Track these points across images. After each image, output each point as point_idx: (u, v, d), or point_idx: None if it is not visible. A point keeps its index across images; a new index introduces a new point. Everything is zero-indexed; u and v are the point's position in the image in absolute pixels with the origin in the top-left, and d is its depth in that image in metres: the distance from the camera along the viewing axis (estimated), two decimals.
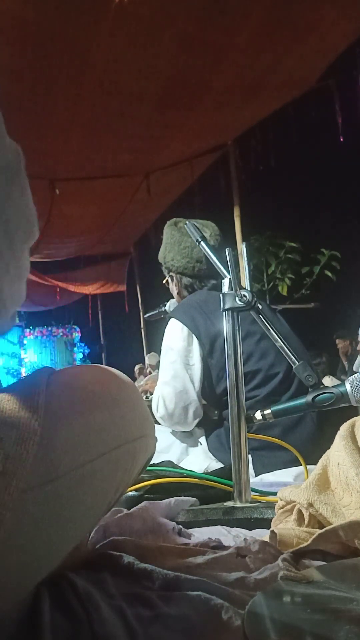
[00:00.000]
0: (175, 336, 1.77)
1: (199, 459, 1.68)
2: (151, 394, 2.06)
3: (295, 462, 1.44)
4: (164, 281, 2.08)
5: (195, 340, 1.74)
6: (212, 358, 1.71)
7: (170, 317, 1.84)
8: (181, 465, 1.56)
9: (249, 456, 1.58)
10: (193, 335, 1.74)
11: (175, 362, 1.74)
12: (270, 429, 1.57)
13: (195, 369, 1.73)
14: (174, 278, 1.98)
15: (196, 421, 1.77)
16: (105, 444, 0.61)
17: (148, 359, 7.85)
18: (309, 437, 1.58)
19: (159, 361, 7.17)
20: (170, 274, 1.99)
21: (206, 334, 1.72)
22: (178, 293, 1.99)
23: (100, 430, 0.61)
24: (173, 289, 2.02)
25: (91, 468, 0.58)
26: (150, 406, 1.95)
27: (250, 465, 1.58)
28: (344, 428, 0.92)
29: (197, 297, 1.87)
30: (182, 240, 1.90)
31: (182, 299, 1.95)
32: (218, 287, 1.90)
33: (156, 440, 0.76)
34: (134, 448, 0.67)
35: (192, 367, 1.73)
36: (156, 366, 7.76)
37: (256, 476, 1.55)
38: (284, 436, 1.54)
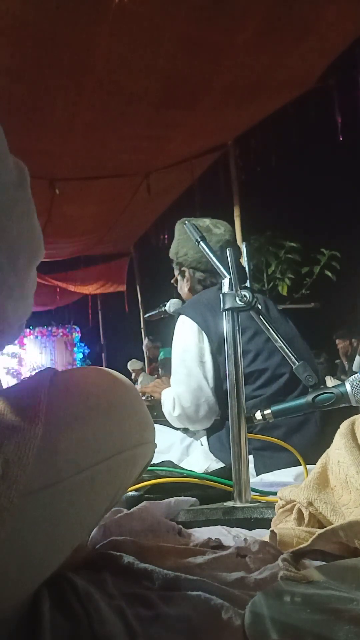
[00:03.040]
0: (187, 334, 1.76)
1: (199, 460, 1.68)
2: (150, 396, 2.05)
3: (296, 463, 1.44)
4: (173, 280, 2.05)
5: (205, 337, 1.73)
6: (220, 355, 1.71)
7: (179, 314, 1.83)
8: (181, 465, 1.56)
9: (251, 456, 1.58)
10: (203, 332, 1.73)
11: (188, 360, 1.74)
12: (274, 429, 1.57)
13: (208, 365, 1.72)
14: (186, 273, 1.95)
15: (212, 418, 1.76)
16: (106, 450, 0.61)
17: (130, 365, 7.87)
18: (312, 438, 1.58)
19: (142, 366, 7.21)
20: (183, 269, 1.97)
21: (215, 332, 1.72)
22: (189, 289, 1.96)
23: (101, 436, 0.61)
24: (184, 285, 1.99)
25: (91, 473, 0.58)
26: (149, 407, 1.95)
27: (252, 465, 1.58)
28: (344, 426, 0.92)
29: (207, 295, 1.85)
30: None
31: (194, 294, 1.93)
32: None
33: (156, 446, 0.76)
34: (134, 454, 0.67)
35: (205, 364, 1.73)
36: (140, 370, 7.80)
37: (257, 476, 1.55)
38: (288, 437, 1.54)
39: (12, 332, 0.66)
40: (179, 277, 2.01)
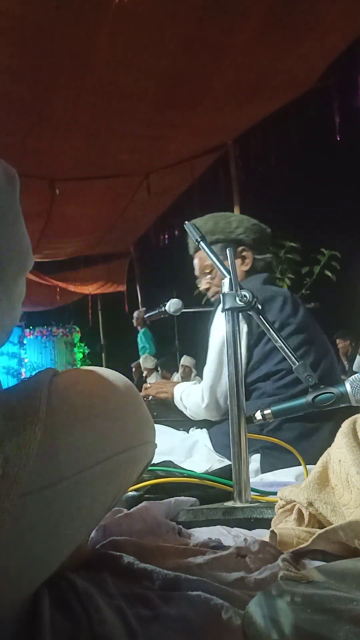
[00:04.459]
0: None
1: (202, 460, 1.67)
2: (153, 397, 2.04)
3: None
4: (203, 271, 1.93)
5: (245, 329, 1.69)
6: (256, 347, 1.69)
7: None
8: (184, 466, 1.55)
9: (258, 455, 1.58)
10: (244, 321, 1.68)
11: (223, 352, 1.70)
12: (286, 431, 1.58)
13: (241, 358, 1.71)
14: (245, 253, 1.88)
15: None
16: (106, 450, 0.61)
17: (143, 361, 7.83)
18: (322, 444, 1.57)
19: (155, 365, 7.13)
20: (240, 248, 1.88)
21: (257, 323, 1.70)
22: (247, 272, 1.88)
23: (101, 436, 0.61)
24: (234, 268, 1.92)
25: (91, 473, 0.58)
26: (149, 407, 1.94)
27: (258, 463, 1.58)
28: (346, 425, 0.92)
29: (251, 285, 1.80)
30: (245, 217, 1.89)
31: (240, 281, 1.89)
32: (268, 281, 1.89)
33: (156, 446, 0.76)
34: (134, 454, 0.67)
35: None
36: (152, 370, 7.75)
37: (262, 473, 1.55)
38: (298, 441, 1.54)
39: None
40: (226, 262, 1.91)
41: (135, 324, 8.13)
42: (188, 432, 1.88)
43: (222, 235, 1.89)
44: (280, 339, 1.22)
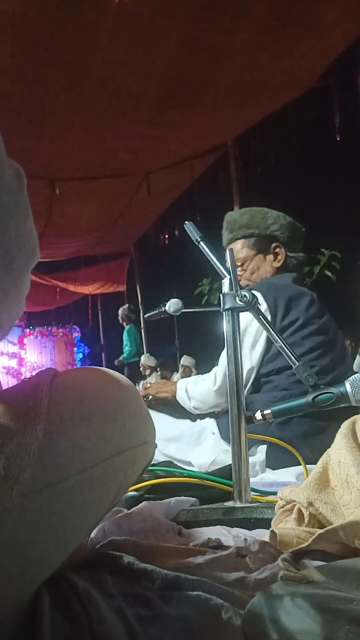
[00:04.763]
0: None
1: (207, 451, 1.67)
2: (153, 397, 2.04)
3: (307, 462, 1.44)
4: (240, 265, 1.93)
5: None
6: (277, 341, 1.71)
7: (252, 290, 1.81)
8: (190, 455, 1.55)
9: (264, 446, 1.59)
10: (268, 312, 1.70)
11: (244, 341, 1.72)
12: (295, 427, 1.59)
13: (257, 351, 1.71)
14: (278, 250, 1.89)
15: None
16: (106, 450, 0.61)
17: (144, 359, 7.85)
18: (331, 442, 1.58)
19: (155, 365, 7.16)
20: (273, 244, 1.90)
21: (282, 316, 1.70)
22: (278, 269, 1.88)
23: (102, 436, 0.61)
24: (265, 264, 1.91)
25: (92, 473, 0.58)
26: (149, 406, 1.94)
27: (264, 455, 1.58)
28: (345, 426, 0.92)
29: (281, 281, 1.81)
30: (281, 214, 1.89)
31: (274, 275, 1.89)
32: (298, 280, 1.90)
33: (156, 446, 0.76)
34: (135, 454, 0.67)
35: (255, 350, 1.71)
36: (153, 368, 7.76)
37: (267, 468, 1.55)
38: (307, 437, 1.55)
39: (2, 333, 0.67)
40: (259, 256, 1.92)
41: (120, 321, 8.17)
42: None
43: (258, 230, 1.91)
44: (280, 340, 1.22)
